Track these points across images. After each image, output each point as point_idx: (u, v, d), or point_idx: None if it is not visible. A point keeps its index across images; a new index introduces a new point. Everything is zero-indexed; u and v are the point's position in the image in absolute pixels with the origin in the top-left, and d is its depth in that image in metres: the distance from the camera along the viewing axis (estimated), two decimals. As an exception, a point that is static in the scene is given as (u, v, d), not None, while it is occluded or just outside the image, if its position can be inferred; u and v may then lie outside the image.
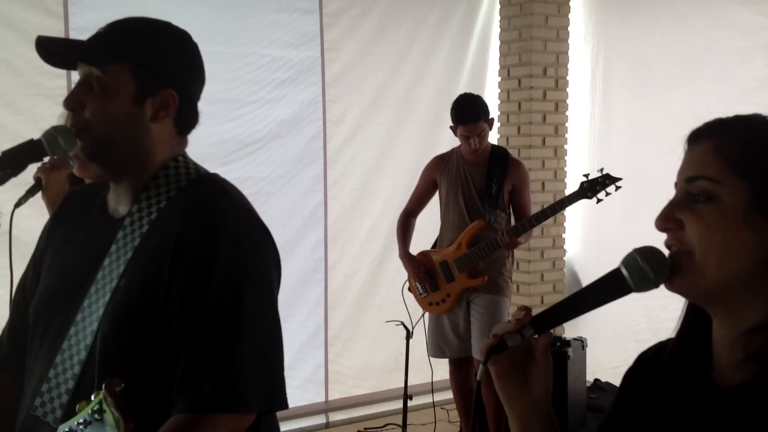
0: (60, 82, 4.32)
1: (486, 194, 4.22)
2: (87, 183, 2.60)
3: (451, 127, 4.28)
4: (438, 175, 4.38)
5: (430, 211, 4.56)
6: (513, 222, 4.31)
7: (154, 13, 1.62)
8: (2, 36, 4.25)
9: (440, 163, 4.40)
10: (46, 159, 1.96)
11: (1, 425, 1.58)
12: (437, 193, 4.43)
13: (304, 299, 5.22)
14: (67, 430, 1.17)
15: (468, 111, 4.17)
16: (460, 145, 4.33)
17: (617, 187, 4.06)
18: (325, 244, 5.39)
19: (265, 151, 5.10)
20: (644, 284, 1.07)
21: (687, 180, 1.07)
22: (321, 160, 5.33)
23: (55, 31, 4.32)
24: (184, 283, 1.43)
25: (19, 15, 4.28)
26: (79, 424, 1.13)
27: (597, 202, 4.09)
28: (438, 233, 4.48)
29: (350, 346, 5.52)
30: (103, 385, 1.08)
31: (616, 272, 1.09)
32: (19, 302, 1.69)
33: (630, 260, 1.08)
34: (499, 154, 4.32)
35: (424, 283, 4.36)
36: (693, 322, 1.13)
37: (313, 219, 5.33)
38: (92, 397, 1.11)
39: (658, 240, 1.09)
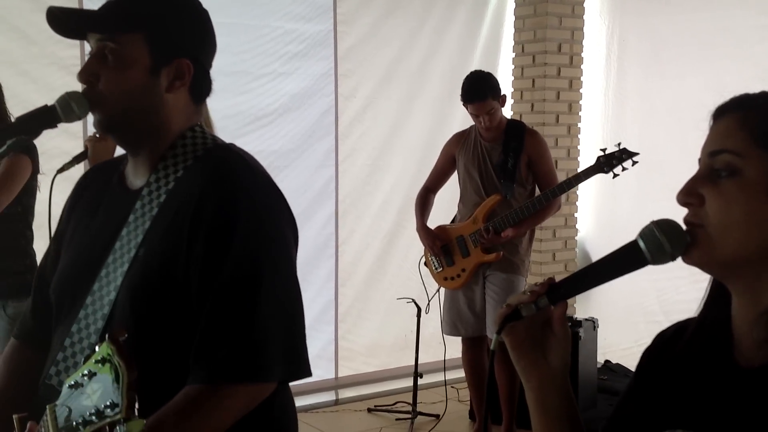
0: (74, 51, 4.31)
1: (502, 169, 4.20)
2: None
3: (463, 104, 4.27)
4: (457, 151, 4.37)
5: (448, 188, 4.54)
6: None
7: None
8: (16, 4, 4.25)
9: (459, 139, 4.39)
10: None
11: (27, 399, 1.57)
12: (456, 170, 4.42)
13: (315, 274, 5.22)
14: (73, 383, 1.17)
15: (474, 89, 4.14)
16: None
17: (634, 162, 4.04)
18: (336, 219, 5.38)
19: (277, 124, 5.08)
20: (661, 256, 1.05)
21: (710, 154, 1.05)
22: (332, 135, 5.32)
23: (69, 0, 4.31)
24: (203, 250, 1.42)
25: (32, -16, 4.27)
26: (83, 375, 1.13)
27: (613, 177, 4.07)
28: (456, 210, 4.46)
29: (360, 322, 5.53)
30: (107, 335, 1.08)
31: (632, 244, 1.07)
32: (41, 277, 1.70)
33: (647, 232, 1.06)
34: (514, 127, 4.29)
35: (439, 257, 4.34)
36: (716, 301, 1.11)
37: (324, 194, 5.32)
38: (96, 348, 1.10)
39: (671, 218, 1.07)
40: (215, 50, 1.61)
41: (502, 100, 4.21)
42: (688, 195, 1.05)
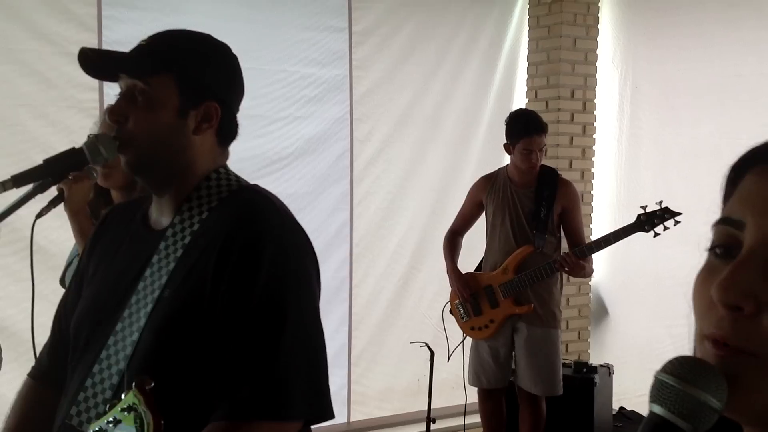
0: (93, 95, 4.37)
1: (534, 218, 4.10)
2: (114, 193, 2.62)
3: (505, 145, 4.16)
4: (484, 196, 4.26)
5: (469, 231, 4.49)
6: (564, 246, 4.19)
7: (187, 28, 1.63)
8: (37, 48, 4.31)
9: (487, 183, 4.28)
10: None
11: None
12: (483, 213, 4.32)
13: (329, 318, 5.19)
14: (97, 429, 1.17)
15: (534, 122, 4.08)
16: (507, 165, 4.23)
17: (676, 222, 3.91)
18: (350, 262, 5.38)
19: (292, 168, 5.11)
20: (707, 419, 0.65)
21: None
22: (347, 178, 5.34)
23: (89, 44, 4.35)
24: (228, 291, 1.42)
25: (54, 28, 4.34)
26: (108, 422, 1.13)
27: (654, 236, 3.97)
28: (479, 255, 4.38)
29: (374, 366, 5.49)
30: (134, 384, 1.08)
31: (654, 421, 0.67)
32: (60, 317, 1.70)
33: (668, 394, 0.67)
34: (548, 174, 4.19)
35: (467, 305, 4.24)
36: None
37: (338, 237, 5.33)
38: (122, 396, 1.11)
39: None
40: (243, 94, 1.63)
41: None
42: (740, 297, 0.64)
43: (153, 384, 1.09)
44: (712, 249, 0.71)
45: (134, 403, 1.07)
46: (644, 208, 3.97)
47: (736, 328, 0.65)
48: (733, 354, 0.65)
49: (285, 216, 1.56)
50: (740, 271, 0.65)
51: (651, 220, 3.94)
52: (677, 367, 0.67)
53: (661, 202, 3.96)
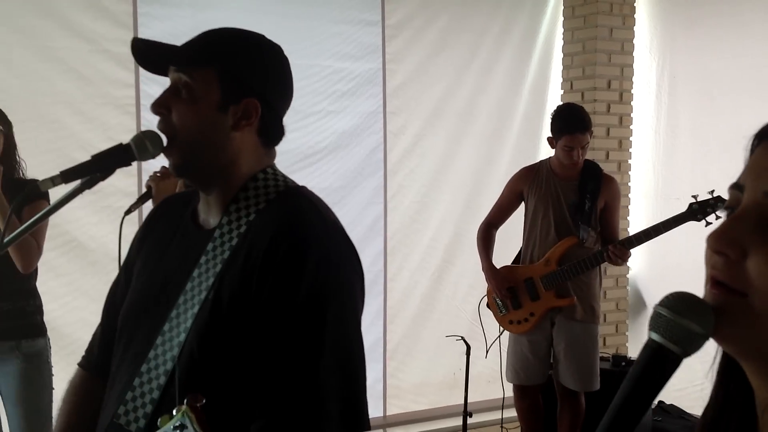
0: (129, 91, 4.41)
1: (578, 210, 4.06)
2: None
3: (549, 139, 4.13)
4: (526, 187, 4.21)
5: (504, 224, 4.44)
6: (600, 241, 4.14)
7: (220, 24, 1.63)
8: (73, 46, 4.36)
9: (528, 174, 4.23)
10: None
11: (91, 428, 1.59)
12: (521, 205, 4.28)
13: (364, 312, 5.18)
14: None
15: (577, 119, 4.03)
16: (550, 158, 4.19)
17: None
18: (385, 256, 5.38)
19: (326, 162, 5.12)
20: (694, 343, 0.78)
21: None
22: (381, 172, 5.33)
23: (125, 41, 4.41)
24: (269, 297, 1.41)
25: (90, 25, 4.38)
26: None
27: (706, 225, 3.90)
28: (514, 248, 4.34)
29: (409, 360, 5.49)
30: (185, 400, 1.08)
31: (651, 347, 0.79)
32: (109, 308, 1.71)
33: (659, 322, 0.78)
34: (591, 168, 4.15)
35: (505, 300, 4.20)
36: (730, 378, 0.87)
37: (372, 231, 5.33)
38: (174, 412, 1.11)
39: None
40: (290, 97, 1.64)
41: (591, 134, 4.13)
42: (726, 245, 0.76)
43: (204, 401, 1.09)
44: (725, 209, 0.84)
45: (186, 421, 1.07)
46: (695, 197, 3.92)
47: (725, 269, 0.77)
48: (724, 292, 0.77)
49: (330, 223, 1.55)
50: (732, 223, 0.78)
51: (704, 209, 3.89)
52: (670, 301, 0.79)
53: (713, 191, 3.91)
